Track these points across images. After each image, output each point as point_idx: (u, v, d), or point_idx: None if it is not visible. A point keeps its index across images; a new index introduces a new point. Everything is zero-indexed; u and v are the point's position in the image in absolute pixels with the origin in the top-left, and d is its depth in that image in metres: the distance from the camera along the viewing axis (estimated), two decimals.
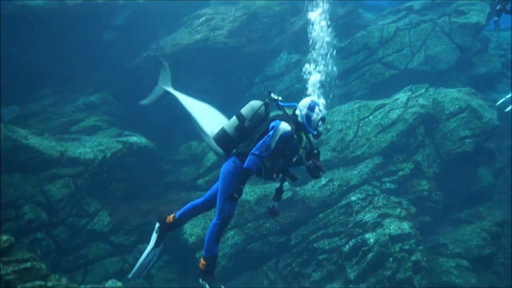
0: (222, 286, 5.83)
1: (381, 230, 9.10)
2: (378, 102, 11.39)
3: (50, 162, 10.08)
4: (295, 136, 5.56)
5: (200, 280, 5.88)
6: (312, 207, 10.12)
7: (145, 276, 9.73)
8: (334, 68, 9.93)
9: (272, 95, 5.76)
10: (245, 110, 5.72)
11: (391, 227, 9.07)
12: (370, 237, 9.07)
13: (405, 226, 9.26)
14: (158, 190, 11.47)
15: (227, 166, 5.67)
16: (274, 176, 5.58)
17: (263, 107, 5.67)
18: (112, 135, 11.66)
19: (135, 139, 11.25)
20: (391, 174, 10.62)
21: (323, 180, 10.37)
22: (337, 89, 12.82)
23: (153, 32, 13.77)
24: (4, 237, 7.17)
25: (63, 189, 10.05)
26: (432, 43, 13.20)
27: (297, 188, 10.38)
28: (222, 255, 9.71)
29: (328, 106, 12.37)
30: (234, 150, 5.75)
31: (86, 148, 10.62)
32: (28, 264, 7.03)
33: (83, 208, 10.20)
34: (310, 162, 5.61)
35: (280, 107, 5.80)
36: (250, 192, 10.26)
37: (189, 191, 10.99)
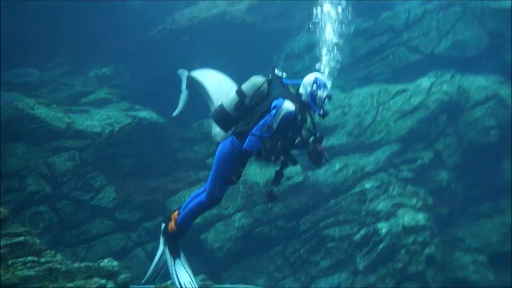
0: (181, 254, 5.59)
1: (394, 220, 8.68)
2: (400, 86, 10.85)
3: (56, 134, 9.79)
4: (299, 116, 5.08)
5: (162, 240, 5.63)
6: (323, 193, 9.73)
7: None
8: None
9: (276, 71, 5.29)
10: (246, 87, 5.21)
11: (405, 218, 8.64)
12: (383, 227, 8.66)
13: (420, 217, 8.82)
14: (167, 168, 11.13)
15: (223, 146, 5.21)
16: (273, 158, 5.13)
17: (265, 84, 5.21)
18: (122, 109, 11.32)
19: (145, 114, 10.91)
20: (409, 163, 10.13)
21: (337, 166, 9.96)
22: (357, 72, 12.30)
23: (171, 5, 13.33)
24: None
25: (68, 162, 9.77)
26: (461, 28, 12.49)
27: (309, 173, 9.97)
28: (227, 237, 9.42)
29: (346, 89, 11.98)
30: (233, 129, 5.31)
31: (94, 121, 10.33)
32: (21, 238, 6.77)
33: (88, 182, 9.92)
34: (312, 147, 5.14)
35: (283, 85, 5.33)
36: (260, 174, 9.89)
37: (198, 170, 10.63)
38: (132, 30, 12.91)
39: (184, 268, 5.57)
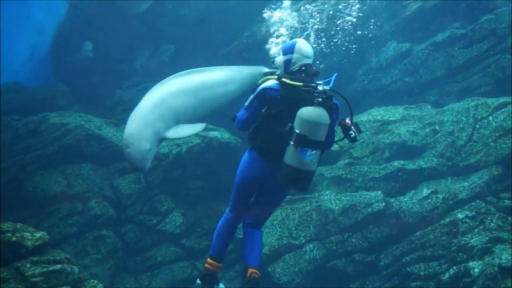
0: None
1: (490, 258, 7.21)
2: (501, 99, 9.30)
3: (122, 155, 9.49)
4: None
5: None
6: (408, 222, 8.46)
7: None
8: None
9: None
10: None
11: (503, 256, 7.13)
12: (475, 266, 7.23)
13: None
14: None
15: None
16: None
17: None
18: None
19: (216, 133, 10.32)
20: None
21: (425, 191, 8.66)
22: (454, 84, 10.88)
23: (251, 17, 12.79)
24: (38, 234, 6.56)
25: (133, 184, 9.46)
26: None
27: (392, 199, 8.76)
28: (297, 270, 8.45)
29: (442, 105, 10.60)
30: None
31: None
32: (58, 267, 6.37)
33: (154, 206, 9.51)
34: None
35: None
36: (336, 200, 8.84)
37: None
38: (214, 44, 12.58)
39: None
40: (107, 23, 12.85)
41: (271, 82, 4.83)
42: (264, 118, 4.80)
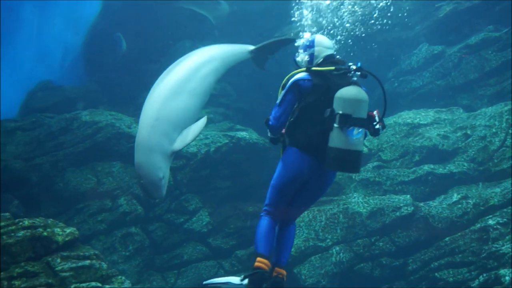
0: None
1: None
2: None
3: None
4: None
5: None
6: (437, 227, 8.31)
7: None
8: None
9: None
10: None
11: None
12: (506, 273, 7.07)
13: None
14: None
15: None
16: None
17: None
18: (221, 128, 10.92)
19: (244, 134, 10.35)
20: None
21: (455, 196, 8.50)
22: (487, 88, 10.69)
23: (280, 19, 12.79)
24: (68, 230, 6.69)
25: None
26: None
27: (421, 204, 8.64)
28: (323, 273, 8.40)
29: (474, 108, 10.42)
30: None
31: None
32: (87, 262, 6.47)
33: (182, 204, 9.59)
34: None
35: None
36: (363, 203, 8.77)
37: None
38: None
39: None
40: (139, 23, 13.00)
41: (301, 74, 4.77)
42: (300, 110, 4.72)
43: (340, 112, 4.42)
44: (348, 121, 4.40)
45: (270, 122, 4.84)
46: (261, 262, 4.73)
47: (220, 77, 7.75)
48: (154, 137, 6.62)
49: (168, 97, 6.84)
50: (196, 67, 7.29)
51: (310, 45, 5.00)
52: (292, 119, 4.78)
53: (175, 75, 7.12)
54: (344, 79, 4.61)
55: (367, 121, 4.52)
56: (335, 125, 4.42)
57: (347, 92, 4.47)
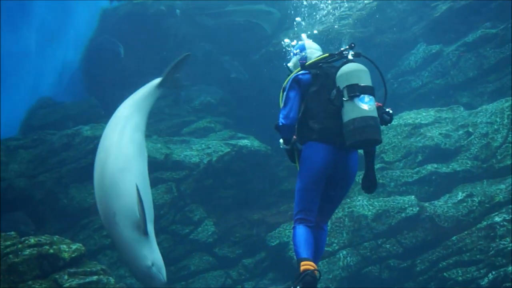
0: None
1: None
2: None
3: (154, 165, 9.52)
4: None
5: None
6: (443, 227, 8.27)
7: None
8: None
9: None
10: None
11: None
12: None
13: None
14: (271, 199, 10.45)
15: None
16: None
17: None
18: (223, 137, 10.92)
19: (246, 142, 10.37)
20: None
21: (460, 195, 8.47)
22: (486, 85, 10.67)
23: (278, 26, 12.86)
24: (74, 246, 6.68)
25: (165, 194, 9.53)
26: None
27: (426, 204, 8.62)
28: (331, 278, 8.38)
29: (475, 106, 10.41)
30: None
31: (192, 151, 10.02)
32: (95, 278, 6.47)
33: (186, 215, 9.60)
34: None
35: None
36: (368, 206, 8.75)
37: None
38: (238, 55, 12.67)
39: None
40: (137, 38, 13.04)
41: (297, 72, 4.80)
42: (307, 103, 4.68)
43: (347, 84, 4.39)
44: (356, 89, 4.34)
45: (280, 123, 4.69)
46: (306, 264, 4.43)
47: (145, 127, 7.64)
48: (122, 233, 6.46)
49: (112, 193, 6.81)
50: (119, 132, 7.34)
51: (301, 48, 5.10)
52: (300, 115, 4.70)
53: (105, 160, 7.14)
54: (340, 63, 4.66)
55: (374, 91, 4.43)
56: (345, 98, 4.36)
57: (347, 67, 4.50)
